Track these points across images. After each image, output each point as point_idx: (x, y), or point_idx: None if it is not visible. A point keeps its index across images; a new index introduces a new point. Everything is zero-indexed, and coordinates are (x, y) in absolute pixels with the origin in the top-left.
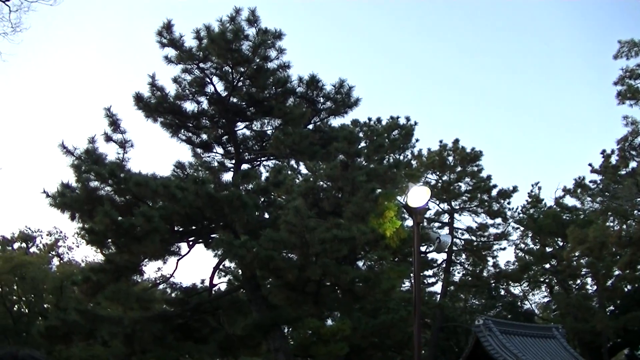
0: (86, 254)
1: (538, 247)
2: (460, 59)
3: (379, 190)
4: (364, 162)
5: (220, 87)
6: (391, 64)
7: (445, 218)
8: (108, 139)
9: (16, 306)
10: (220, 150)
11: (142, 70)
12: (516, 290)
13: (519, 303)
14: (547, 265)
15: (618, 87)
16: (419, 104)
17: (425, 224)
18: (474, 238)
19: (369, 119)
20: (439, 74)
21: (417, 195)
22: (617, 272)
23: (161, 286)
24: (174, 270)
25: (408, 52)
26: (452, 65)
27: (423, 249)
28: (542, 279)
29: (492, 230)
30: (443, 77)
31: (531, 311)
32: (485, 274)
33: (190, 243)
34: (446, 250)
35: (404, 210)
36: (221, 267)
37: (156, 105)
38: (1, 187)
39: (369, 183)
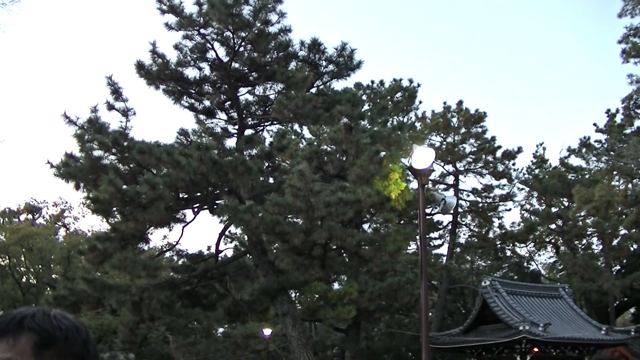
0: (92, 223)
1: (544, 207)
2: (462, 18)
3: (383, 153)
4: (367, 125)
5: (221, 52)
6: (394, 25)
7: (450, 180)
8: (110, 107)
9: (24, 277)
10: (223, 116)
11: (143, 38)
12: (522, 251)
13: (525, 264)
14: (553, 226)
15: (622, 46)
16: (422, 65)
17: (430, 185)
18: (479, 199)
19: (372, 82)
20: (441, 35)
21: (422, 157)
22: (623, 232)
23: (167, 253)
24: (180, 237)
25: (410, 13)
26: (454, 26)
27: (428, 211)
28: (548, 240)
29: (497, 192)
30: (445, 37)
31: (537, 271)
32: (491, 235)
33: (196, 210)
34: (451, 212)
35: (409, 173)
36: (227, 233)
37: (158, 73)
38: (5, 159)
39: (373, 145)
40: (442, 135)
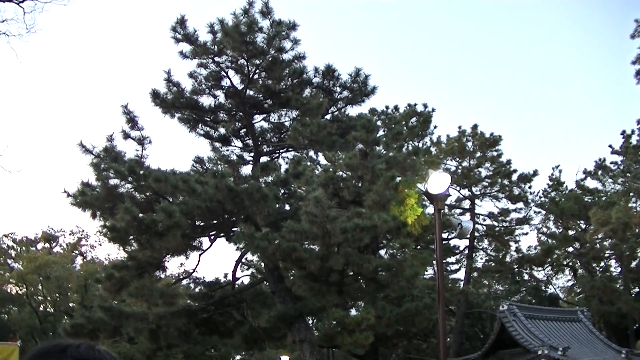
0: (109, 251)
1: (560, 230)
2: (477, 42)
3: (399, 178)
4: (383, 151)
5: (236, 80)
6: (407, 50)
7: (466, 204)
8: (126, 136)
9: (42, 306)
10: (238, 143)
11: (158, 67)
12: (540, 274)
13: (543, 287)
14: (571, 249)
15: (636, 66)
16: (436, 89)
17: (446, 210)
18: (495, 223)
19: (387, 107)
20: (455, 59)
21: (438, 181)
22: None
23: (184, 281)
24: (197, 265)
25: (424, 38)
26: (468, 50)
27: (445, 235)
28: (565, 263)
29: (513, 215)
30: (460, 61)
31: (555, 295)
32: (508, 259)
33: (212, 237)
34: (468, 236)
35: (425, 197)
36: (243, 260)
37: (173, 101)
38: (23, 189)
39: (388, 171)
40: (457, 159)
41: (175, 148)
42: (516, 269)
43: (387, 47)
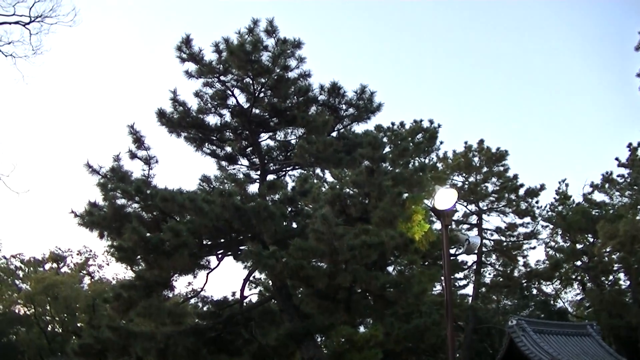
0: (116, 271)
1: (568, 244)
2: (481, 57)
3: (406, 195)
4: (389, 167)
5: (242, 99)
6: (412, 65)
7: (474, 219)
8: (133, 156)
9: (50, 326)
10: (245, 162)
11: (164, 86)
12: (548, 289)
13: (551, 302)
14: (579, 262)
15: None
16: (442, 105)
17: (453, 226)
18: (503, 238)
19: (392, 124)
20: (460, 73)
21: (444, 197)
22: None
23: (192, 300)
24: (205, 284)
25: (428, 52)
26: (473, 65)
27: (452, 251)
28: (574, 277)
29: (521, 230)
30: (464, 76)
31: (564, 309)
32: (516, 274)
33: (220, 256)
34: (476, 251)
35: (432, 213)
36: (251, 278)
37: (179, 120)
38: (30, 209)
39: (395, 187)
40: (464, 175)
41: (182, 167)
42: (524, 284)
43: (392, 62)
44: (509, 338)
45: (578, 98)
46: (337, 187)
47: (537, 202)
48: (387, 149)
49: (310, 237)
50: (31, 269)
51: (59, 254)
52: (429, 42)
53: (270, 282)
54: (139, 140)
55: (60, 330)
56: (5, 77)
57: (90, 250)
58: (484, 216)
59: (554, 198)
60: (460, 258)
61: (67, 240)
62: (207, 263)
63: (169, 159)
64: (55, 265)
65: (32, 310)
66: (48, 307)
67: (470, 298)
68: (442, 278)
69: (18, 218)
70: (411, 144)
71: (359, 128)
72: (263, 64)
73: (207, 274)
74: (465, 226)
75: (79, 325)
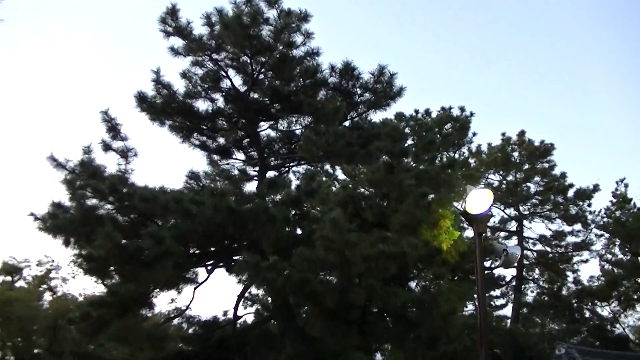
0: (84, 286)
1: (628, 257)
2: (522, 39)
3: (432, 196)
4: (412, 163)
5: (237, 81)
6: (440, 46)
7: (513, 226)
8: (107, 147)
9: (0, 353)
10: (241, 155)
11: (144, 66)
12: (604, 311)
13: (608, 326)
14: None
15: None
16: (475, 90)
17: (488, 233)
18: (548, 249)
19: (416, 112)
20: (497, 56)
21: (478, 199)
22: None
23: (176, 321)
24: (191, 301)
25: (460, 32)
26: (513, 47)
27: (487, 264)
28: (635, 297)
29: (570, 239)
30: (501, 57)
31: (625, 336)
32: (564, 292)
33: (209, 267)
34: (515, 264)
35: (463, 219)
36: (247, 294)
37: (163, 106)
38: None
39: (419, 187)
40: (501, 172)
41: (166, 162)
42: (575, 304)
43: (415, 39)
44: None
45: (635, 87)
46: (350, 186)
47: (589, 206)
48: (409, 142)
49: (318, 245)
50: None
51: (14, 265)
52: (458, 15)
53: (269, 299)
54: (114, 129)
55: (13, 359)
56: None
57: (53, 261)
58: (525, 222)
59: (611, 201)
60: (497, 272)
61: (25, 249)
62: (194, 276)
63: (151, 152)
64: (8, 278)
65: None
66: None
67: (509, 321)
68: (475, 296)
69: None
70: (438, 136)
71: (376, 116)
72: (263, 40)
73: (194, 289)
74: (503, 234)
75: (36, 351)
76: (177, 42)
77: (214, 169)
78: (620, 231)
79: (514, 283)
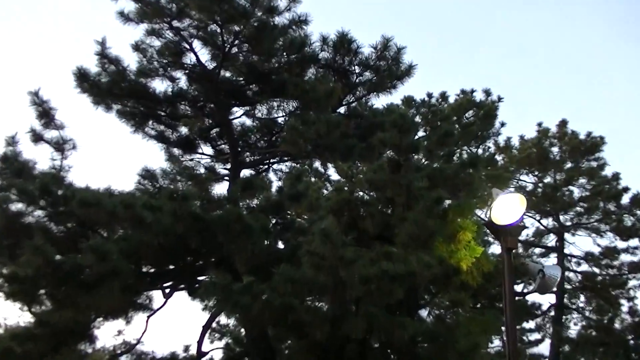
0: (6, 314)
1: None
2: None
3: (449, 202)
4: (424, 160)
5: (205, 55)
6: (459, 17)
7: (551, 240)
8: (37, 138)
9: None
10: (208, 149)
11: (86, 36)
12: None
13: None
14: None
15: None
16: (503, 69)
17: (520, 249)
18: (597, 270)
19: (429, 96)
20: (530, 31)
21: (507, 206)
22: None
23: (124, 358)
24: (143, 333)
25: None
26: (550, 20)
27: (519, 288)
28: None
29: (624, 258)
30: (538, 36)
31: None
32: (617, 325)
33: (167, 291)
34: (555, 289)
35: (488, 231)
36: (214, 324)
37: (109, 85)
38: None
39: (432, 191)
40: (536, 173)
41: (113, 157)
42: (631, 341)
43: (429, 12)
44: None
45: None
46: (346, 189)
47: None
48: (420, 133)
49: (305, 263)
50: None
51: None
52: None
53: (242, 330)
54: (46, 115)
55: None
56: None
57: None
58: (567, 236)
59: None
60: (531, 298)
61: None
62: (147, 301)
63: (94, 144)
64: None
65: None
66: None
67: (547, 359)
68: (503, 328)
69: None
70: (457, 126)
71: (379, 101)
72: (237, 4)
73: (148, 317)
74: (539, 250)
75: None
76: (128, 5)
77: (174, 166)
78: None
79: (552, 313)
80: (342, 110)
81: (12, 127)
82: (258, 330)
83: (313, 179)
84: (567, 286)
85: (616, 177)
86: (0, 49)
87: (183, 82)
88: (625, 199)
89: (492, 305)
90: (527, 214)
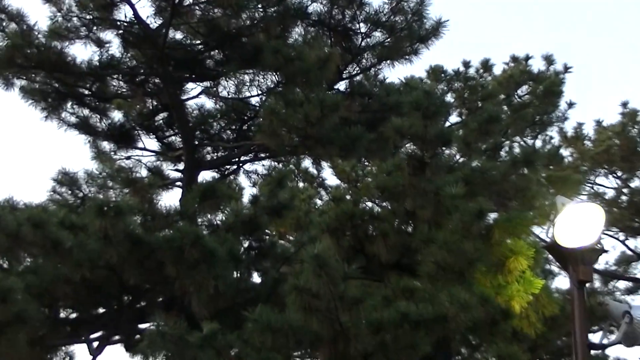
0: None
1: None
2: None
3: (494, 215)
4: (457, 156)
5: (145, 8)
6: None
7: None
8: None
9: None
10: (152, 143)
11: None
12: None
13: None
14: None
15: None
16: (563, 33)
17: (598, 283)
18: None
19: (466, 65)
20: None
21: (578, 222)
22: None
23: None
24: None
25: None
26: None
27: (595, 337)
28: None
29: None
30: None
31: None
32: None
33: (95, 344)
34: None
35: (550, 256)
36: None
37: (10, 53)
38: None
39: (470, 200)
40: (619, 174)
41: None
42: None
43: None
44: None
45: None
46: (348, 197)
47: None
48: (453, 119)
49: (290, 303)
50: None
51: None
52: None
53: None
54: None
55: None
56: None
57: None
58: None
59: None
60: (613, 353)
61: None
62: (67, 359)
63: None
64: None
65: None
66: None
67: None
68: None
69: None
70: (505, 108)
71: (394, 74)
72: None
73: None
74: (624, 284)
75: None
76: None
77: (104, 167)
78: None
79: None
80: (342, 86)
81: None
82: None
83: (301, 184)
84: None
85: None
86: None
87: (115, 47)
88: None
89: None
90: (606, 232)
